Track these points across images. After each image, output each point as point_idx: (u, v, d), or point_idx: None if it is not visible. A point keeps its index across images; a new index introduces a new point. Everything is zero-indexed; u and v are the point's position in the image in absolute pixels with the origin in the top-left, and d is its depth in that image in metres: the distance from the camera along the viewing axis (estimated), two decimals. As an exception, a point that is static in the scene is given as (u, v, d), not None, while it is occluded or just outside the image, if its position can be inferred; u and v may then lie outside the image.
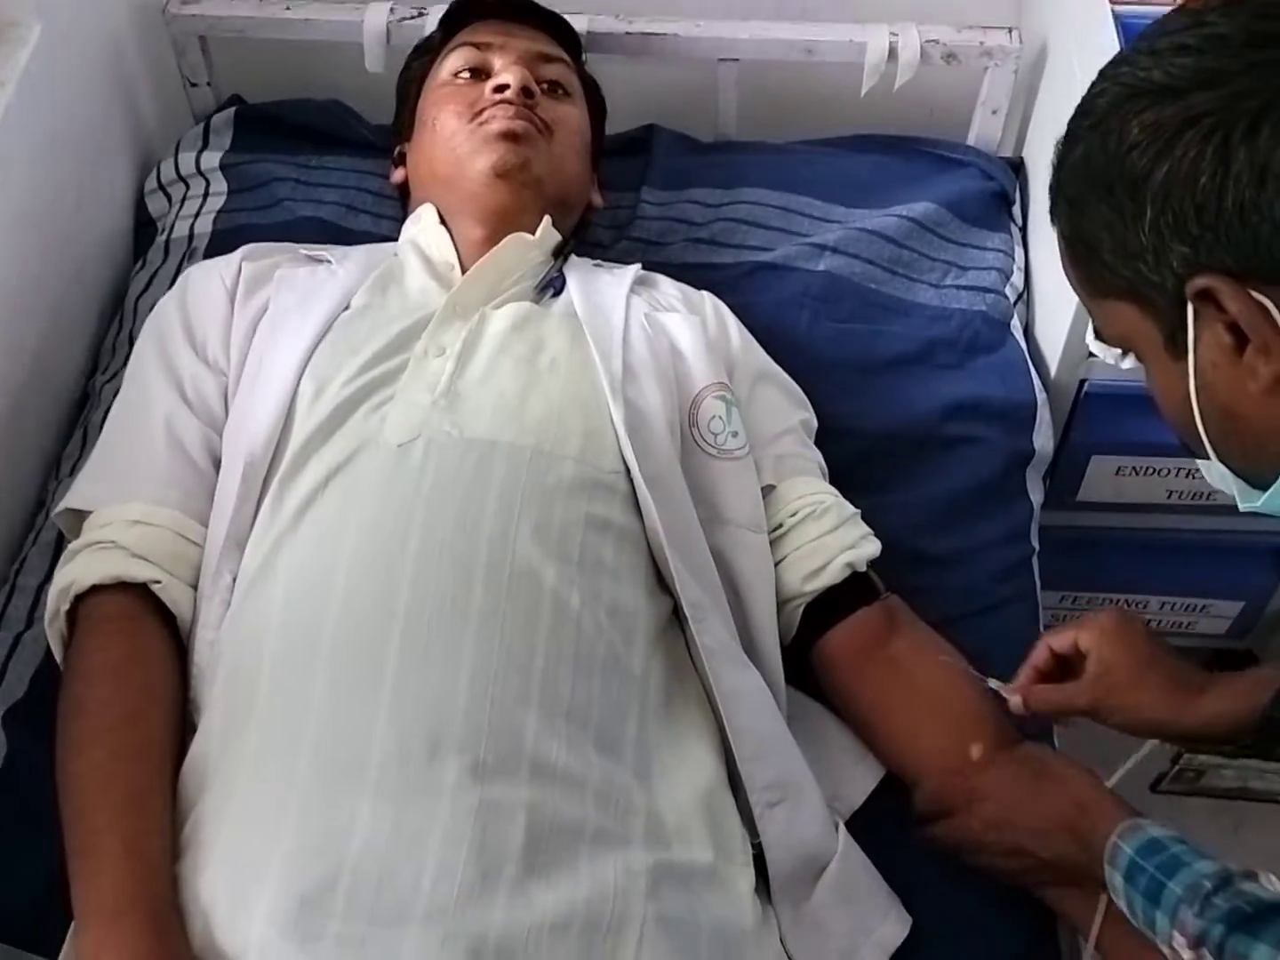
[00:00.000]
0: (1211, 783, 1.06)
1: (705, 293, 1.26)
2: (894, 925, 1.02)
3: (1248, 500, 0.83)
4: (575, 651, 0.93)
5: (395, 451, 0.99)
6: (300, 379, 1.04)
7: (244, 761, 0.89)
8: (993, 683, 1.08)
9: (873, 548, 1.14)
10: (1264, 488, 0.81)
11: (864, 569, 1.13)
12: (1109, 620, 1.05)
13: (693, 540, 1.05)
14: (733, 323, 1.23)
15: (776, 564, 1.12)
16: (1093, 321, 0.86)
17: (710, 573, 1.06)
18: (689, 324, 1.16)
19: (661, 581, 1.04)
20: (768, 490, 1.14)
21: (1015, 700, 1.07)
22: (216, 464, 1.06)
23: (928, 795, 1.07)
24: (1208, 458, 0.82)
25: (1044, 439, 1.33)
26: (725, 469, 1.11)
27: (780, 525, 1.13)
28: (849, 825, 1.06)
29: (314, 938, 0.80)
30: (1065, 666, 1.07)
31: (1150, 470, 1.44)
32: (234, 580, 0.99)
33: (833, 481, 1.19)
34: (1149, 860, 0.89)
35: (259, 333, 1.11)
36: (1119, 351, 0.84)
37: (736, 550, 1.10)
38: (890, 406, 1.32)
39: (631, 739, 0.94)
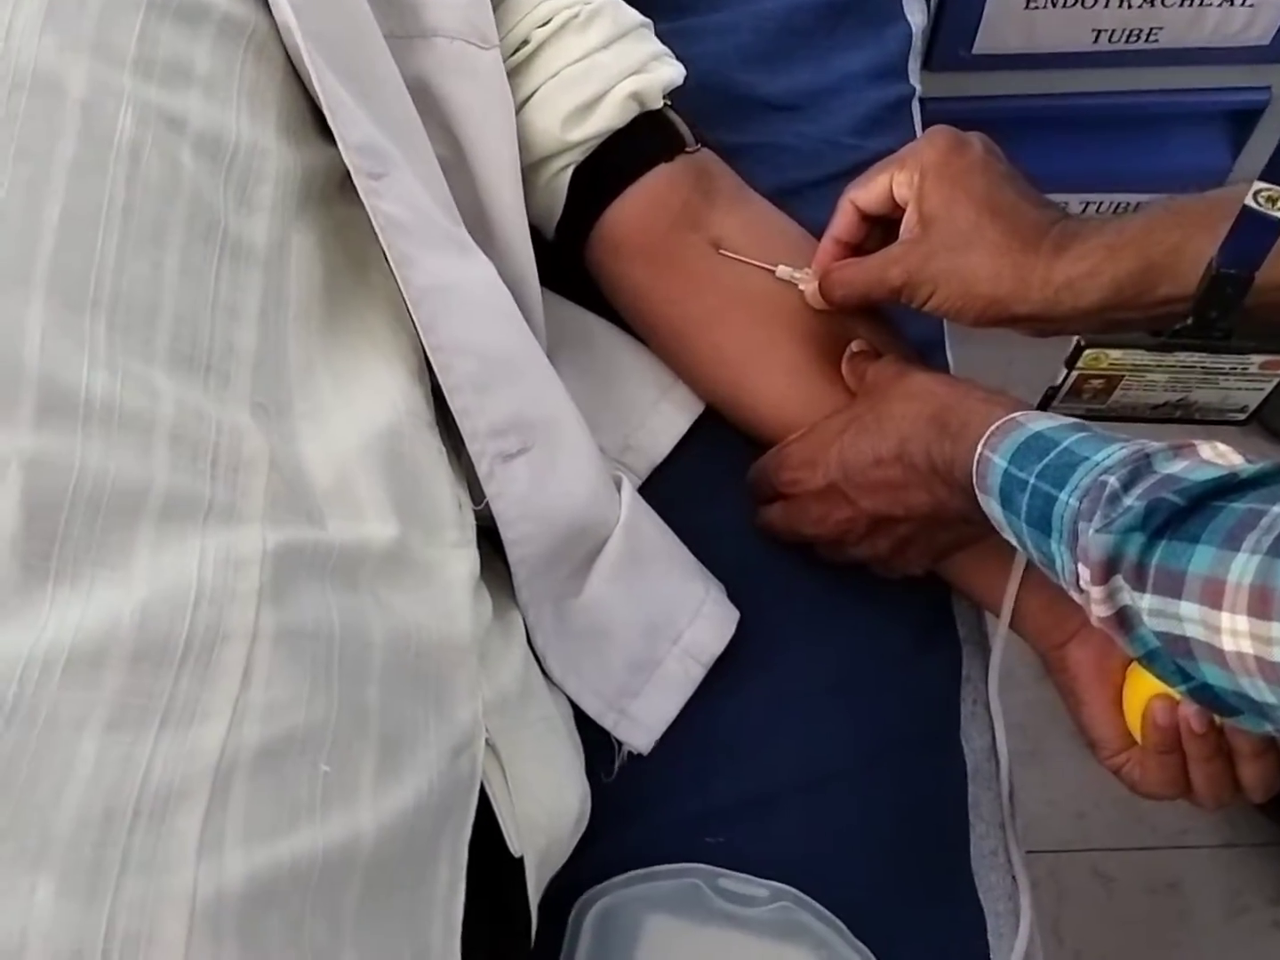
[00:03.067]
0: (1133, 397, 0.69)
1: None
2: (711, 623, 0.69)
3: None
4: (125, 203, 0.54)
5: None
6: None
7: None
8: (782, 270, 0.74)
9: (671, 72, 0.75)
10: None
11: (659, 105, 0.74)
12: (933, 150, 0.69)
13: (364, 51, 0.66)
14: None
15: (522, 103, 0.74)
16: None
17: (400, 107, 0.67)
18: None
19: (325, 123, 0.64)
20: (502, -11, 0.74)
21: (810, 289, 0.73)
22: None
23: (753, 473, 0.75)
24: None
25: (927, -68, 0.93)
26: (422, -56, 0.70)
27: (525, 43, 0.74)
28: (648, 488, 0.71)
29: None
30: (890, 231, 0.72)
31: (1071, -1, 1.06)
32: None
33: (621, 2, 0.78)
34: (1028, 468, 0.56)
35: None
36: None
37: (451, 76, 0.70)
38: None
39: (248, 353, 0.56)
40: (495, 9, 0.73)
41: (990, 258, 0.66)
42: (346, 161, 0.61)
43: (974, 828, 0.68)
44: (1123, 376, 0.67)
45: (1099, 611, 0.53)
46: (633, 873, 0.63)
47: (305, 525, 0.54)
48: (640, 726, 0.67)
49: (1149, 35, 1.09)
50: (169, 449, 0.51)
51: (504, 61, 0.73)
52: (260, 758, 0.47)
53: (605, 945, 0.61)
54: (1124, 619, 0.52)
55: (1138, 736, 0.66)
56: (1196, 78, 1.16)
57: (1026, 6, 1.06)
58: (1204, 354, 0.66)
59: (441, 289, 0.63)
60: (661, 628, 0.67)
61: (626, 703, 0.67)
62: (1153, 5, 1.06)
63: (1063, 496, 0.54)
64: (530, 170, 0.74)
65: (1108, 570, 0.51)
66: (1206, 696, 0.51)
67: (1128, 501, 0.50)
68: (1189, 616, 0.48)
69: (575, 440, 0.66)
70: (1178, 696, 0.64)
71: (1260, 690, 0.46)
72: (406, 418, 0.61)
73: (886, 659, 0.71)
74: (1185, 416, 0.71)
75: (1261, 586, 0.44)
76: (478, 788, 0.55)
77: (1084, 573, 0.52)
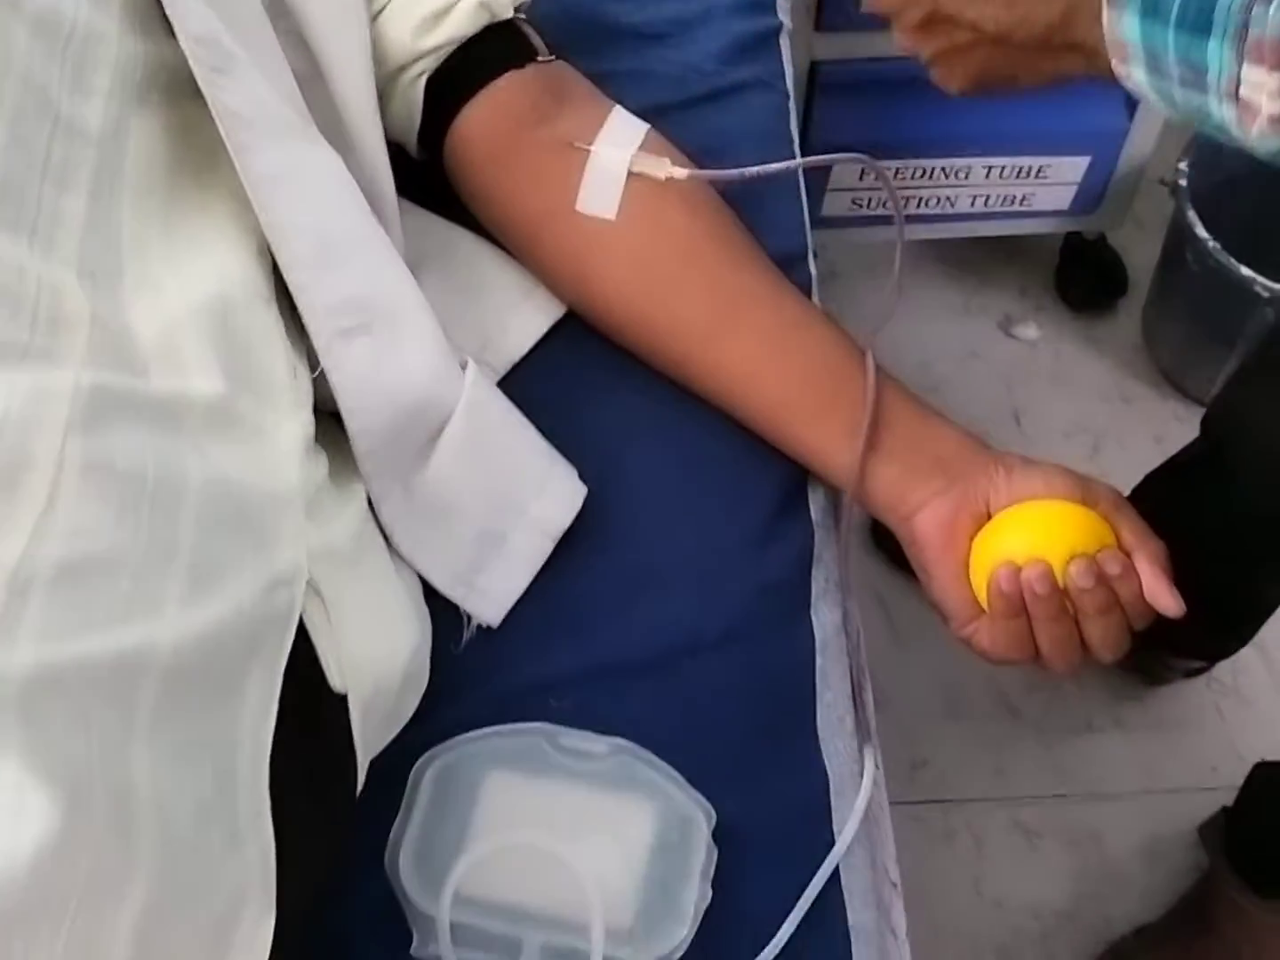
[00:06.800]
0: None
1: None
2: (556, 498, 0.70)
3: None
4: None
5: None
6: None
7: None
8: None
9: (522, -15, 0.77)
10: None
11: (509, 15, 0.77)
12: None
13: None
14: None
15: (376, 15, 0.76)
16: None
17: (247, 13, 0.69)
18: None
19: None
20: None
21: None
22: None
23: None
24: None
25: None
26: None
27: (373, -45, 0.76)
28: (513, 388, 0.73)
29: None
30: None
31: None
32: None
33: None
34: None
35: None
36: None
37: (300, -14, 0.73)
38: None
39: (76, 221, 0.58)
40: (350, -75, 0.76)
41: None
42: (185, 51, 0.63)
43: (821, 696, 0.68)
44: None
45: (1271, 109, 0.48)
46: (474, 732, 0.64)
47: (126, 375, 0.55)
48: (489, 599, 0.68)
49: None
50: (-13, 298, 0.53)
51: (358, -24, 0.75)
52: (60, 573, 0.48)
53: (443, 799, 0.62)
54: None
55: (985, 605, 0.66)
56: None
57: (910, -40, 1.08)
58: None
59: (281, 175, 0.64)
60: (509, 502, 0.68)
61: (474, 576, 0.68)
62: (1037, -43, 1.09)
63: None
64: (386, 81, 0.76)
65: None
66: None
67: None
68: None
69: (417, 321, 0.68)
70: (1021, 562, 0.65)
71: None
72: (240, 289, 0.62)
73: (738, 539, 0.72)
74: None
75: None
76: (295, 622, 0.56)
77: (1251, 73, 0.47)
